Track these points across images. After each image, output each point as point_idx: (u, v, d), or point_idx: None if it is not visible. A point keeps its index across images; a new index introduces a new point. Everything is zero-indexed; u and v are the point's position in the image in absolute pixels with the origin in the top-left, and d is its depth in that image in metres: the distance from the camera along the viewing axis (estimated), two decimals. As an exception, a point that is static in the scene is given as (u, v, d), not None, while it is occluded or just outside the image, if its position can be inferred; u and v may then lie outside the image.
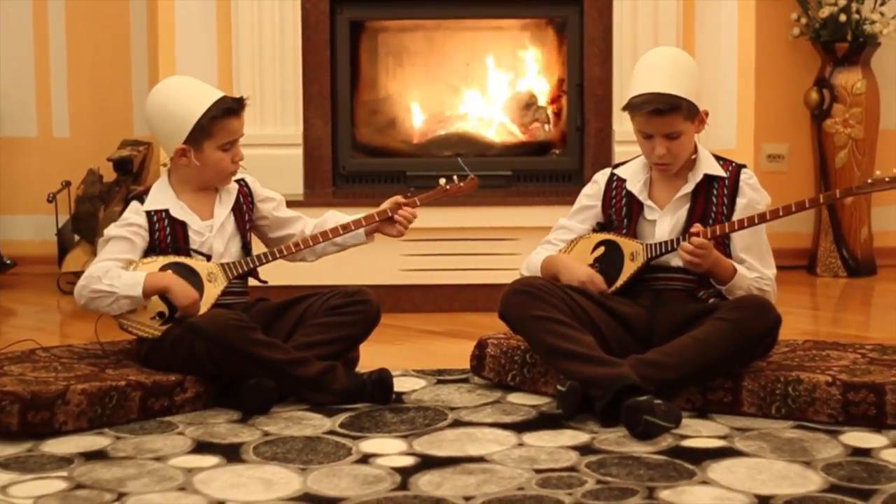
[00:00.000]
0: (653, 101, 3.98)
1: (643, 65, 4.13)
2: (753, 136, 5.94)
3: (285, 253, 4.19)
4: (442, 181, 4.35)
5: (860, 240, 6.32)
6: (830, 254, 6.34)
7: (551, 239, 4.25)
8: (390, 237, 4.29)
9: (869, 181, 3.97)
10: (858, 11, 6.16)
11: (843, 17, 6.14)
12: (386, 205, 4.23)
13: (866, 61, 6.26)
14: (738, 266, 3.98)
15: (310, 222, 4.29)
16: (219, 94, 4.14)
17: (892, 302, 5.89)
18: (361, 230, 4.25)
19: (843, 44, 6.21)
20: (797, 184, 6.31)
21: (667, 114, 3.99)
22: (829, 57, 6.26)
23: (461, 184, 4.35)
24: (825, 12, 6.17)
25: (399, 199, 4.25)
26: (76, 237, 6.05)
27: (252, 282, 4.27)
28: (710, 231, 3.95)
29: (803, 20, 6.31)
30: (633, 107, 4.03)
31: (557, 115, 5.92)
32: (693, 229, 3.95)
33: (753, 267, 4.03)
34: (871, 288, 6.15)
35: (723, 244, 4.03)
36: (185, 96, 4.13)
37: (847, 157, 6.24)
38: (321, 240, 4.20)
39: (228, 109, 4.10)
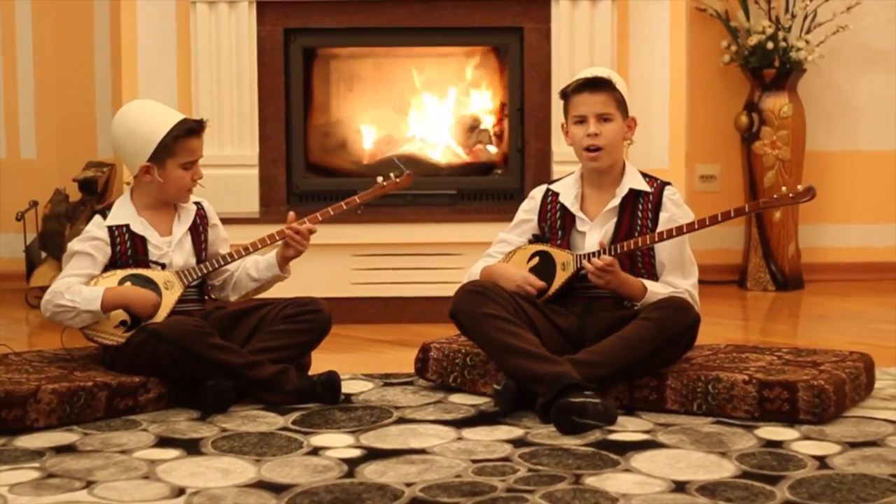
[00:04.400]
0: (590, 79, 4.24)
1: (579, 73, 4.40)
2: (687, 157, 6.12)
3: (234, 257, 4.32)
4: (379, 179, 4.46)
5: (788, 255, 6.49)
6: (760, 269, 6.50)
7: (491, 252, 4.41)
8: (291, 258, 4.36)
9: (775, 196, 4.18)
10: (785, 39, 6.34)
11: (770, 45, 6.32)
12: (285, 225, 4.34)
13: (793, 86, 6.45)
14: (649, 284, 4.16)
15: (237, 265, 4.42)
16: (180, 116, 4.29)
17: (818, 313, 6.03)
18: (273, 260, 4.35)
19: (771, 70, 6.39)
20: (728, 203, 6.13)
21: (602, 89, 4.23)
22: (758, 82, 6.44)
23: (397, 179, 4.47)
24: (754, 40, 6.36)
25: (291, 216, 4.36)
26: (43, 254, 6.15)
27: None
28: (630, 243, 4.14)
29: (733, 48, 6.49)
30: (570, 87, 4.27)
31: (499, 136, 6.07)
32: (598, 247, 4.15)
33: (670, 281, 4.21)
34: (798, 301, 6.32)
35: (646, 254, 4.24)
36: (149, 118, 4.27)
37: (775, 177, 6.41)
38: (252, 250, 4.30)
39: (190, 130, 4.26)
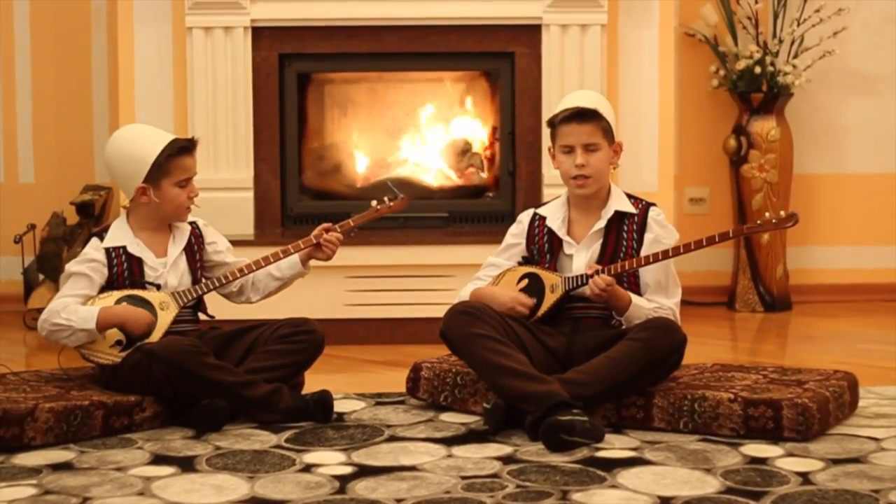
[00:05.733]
0: (577, 110, 4.29)
1: (567, 96, 4.48)
2: (677, 180, 6.19)
3: (230, 279, 4.37)
4: (373, 202, 4.54)
5: (776, 277, 6.55)
6: (748, 290, 6.55)
7: (480, 275, 4.47)
8: (321, 261, 4.45)
9: (758, 222, 4.27)
10: (773, 64, 6.41)
11: (758, 70, 6.39)
12: (315, 232, 4.43)
13: (780, 110, 6.51)
14: (633, 297, 4.22)
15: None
16: (171, 136, 4.35)
17: (805, 334, 6.10)
18: (297, 259, 4.43)
19: (759, 94, 6.46)
20: (718, 225, 6.29)
21: (589, 120, 4.28)
22: (746, 106, 6.51)
23: (391, 203, 4.54)
24: (742, 65, 6.42)
25: (326, 225, 4.44)
26: (41, 276, 6.18)
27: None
28: (618, 266, 4.20)
29: (722, 72, 6.56)
30: (558, 117, 4.32)
31: (491, 160, 6.12)
32: (589, 270, 4.21)
33: (654, 298, 4.27)
34: (786, 322, 6.37)
35: (632, 274, 4.28)
36: (141, 140, 4.33)
37: (763, 199, 6.47)
38: (263, 264, 4.36)
39: (182, 148, 4.32)
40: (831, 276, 6.81)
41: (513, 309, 4.30)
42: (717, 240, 4.22)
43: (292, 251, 4.42)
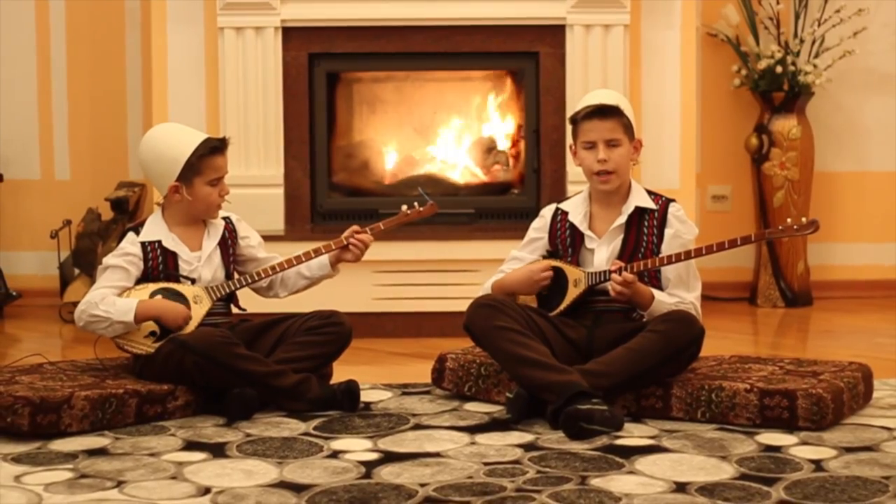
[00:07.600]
0: (599, 107, 4.38)
1: (588, 94, 4.56)
2: (700, 178, 6.24)
3: (262, 276, 4.46)
4: (404, 207, 4.61)
5: (797, 273, 6.61)
6: (770, 286, 6.61)
7: (503, 268, 4.54)
8: (348, 262, 4.54)
9: (780, 227, 4.33)
10: (794, 64, 6.46)
11: (779, 69, 6.45)
12: (345, 234, 4.51)
13: (801, 109, 6.56)
14: (656, 293, 4.28)
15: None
16: (204, 136, 4.42)
17: (826, 329, 6.15)
18: (326, 260, 4.51)
19: (780, 93, 6.51)
20: (740, 222, 6.60)
21: (610, 116, 4.36)
22: (768, 105, 6.56)
23: (421, 209, 4.61)
24: (763, 64, 6.48)
25: (355, 228, 4.53)
26: (76, 271, 6.30)
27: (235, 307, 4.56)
28: (640, 264, 4.27)
29: (743, 72, 6.61)
30: (580, 113, 4.41)
31: (516, 157, 6.17)
32: (613, 267, 4.27)
33: (675, 293, 4.33)
34: (807, 317, 6.42)
35: (653, 271, 4.34)
36: (174, 140, 4.40)
37: (784, 197, 6.53)
38: (294, 263, 4.45)
39: (214, 148, 4.39)
40: (852, 272, 6.85)
41: (533, 281, 4.39)
42: (738, 243, 4.28)
43: (323, 251, 4.51)
